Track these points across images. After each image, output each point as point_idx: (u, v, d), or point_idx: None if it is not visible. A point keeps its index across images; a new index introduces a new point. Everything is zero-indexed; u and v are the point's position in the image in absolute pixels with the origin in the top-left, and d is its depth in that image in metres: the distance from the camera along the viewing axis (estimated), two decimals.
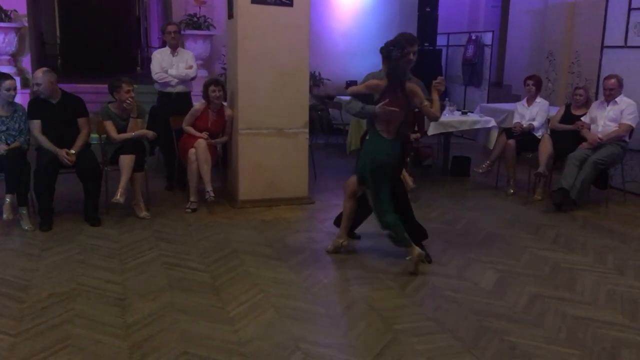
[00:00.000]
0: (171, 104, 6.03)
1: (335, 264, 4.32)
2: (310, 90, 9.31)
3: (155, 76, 6.06)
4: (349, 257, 4.50)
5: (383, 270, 4.20)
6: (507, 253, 4.61)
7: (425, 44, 10.23)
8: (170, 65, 6.05)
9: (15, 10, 8.42)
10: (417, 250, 4.10)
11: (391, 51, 3.96)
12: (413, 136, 6.25)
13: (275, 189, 5.80)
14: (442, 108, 5.52)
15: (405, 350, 3.11)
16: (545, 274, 4.23)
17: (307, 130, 5.89)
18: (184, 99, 6.16)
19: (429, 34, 10.35)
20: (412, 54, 4.20)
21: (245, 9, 5.46)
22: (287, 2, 5.51)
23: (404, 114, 4.12)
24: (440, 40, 10.86)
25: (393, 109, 3.96)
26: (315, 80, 10.04)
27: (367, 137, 4.29)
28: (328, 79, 10.26)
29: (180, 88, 6.12)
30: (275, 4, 5.48)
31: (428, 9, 10.24)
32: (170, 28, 6.12)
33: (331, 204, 6.00)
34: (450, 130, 6.91)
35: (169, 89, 6.10)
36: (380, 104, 3.98)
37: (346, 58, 10.61)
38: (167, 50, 6.13)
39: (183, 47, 8.82)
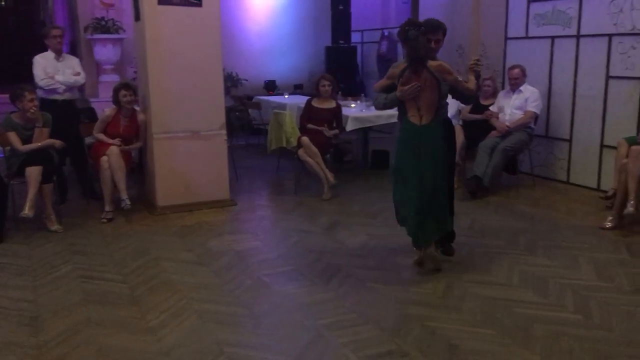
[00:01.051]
0: (56, 112, 5.57)
1: (258, 265, 4.28)
2: (229, 91, 9.21)
3: (41, 82, 5.70)
4: (273, 257, 4.49)
5: (307, 267, 4.21)
6: None
7: (340, 42, 10.35)
8: (56, 70, 5.75)
9: None
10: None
11: (407, 31, 3.85)
12: (331, 132, 6.33)
13: (196, 193, 5.69)
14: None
15: (330, 344, 3.13)
16: (462, 259, 4.36)
17: (224, 131, 5.81)
18: (69, 107, 5.91)
19: (343, 32, 10.48)
20: (432, 42, 4.01)
21: (151, 10, 5.32)
22: (196, 2, 5.42)
23: (436, 95, 3.88)
24: (355, 38, 11.01)
25: (412, 85, 3.80)
26: (233, 81, 9.93)
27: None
28: (246, 80, 10.16)
29: (67, 95, 5.84)
30: (183, 4, 5.38)
31: (341, 7, 10.38)
32: (56, 32, 5.80)
33: (254, 205, 5.97)
34: (368, 125, 7.00)
35: (54, 96, 5.78)
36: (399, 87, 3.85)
37: (263, 57, 10.56)
38: (50, 54, 5.81)
39: (91, 52, 8.54)
